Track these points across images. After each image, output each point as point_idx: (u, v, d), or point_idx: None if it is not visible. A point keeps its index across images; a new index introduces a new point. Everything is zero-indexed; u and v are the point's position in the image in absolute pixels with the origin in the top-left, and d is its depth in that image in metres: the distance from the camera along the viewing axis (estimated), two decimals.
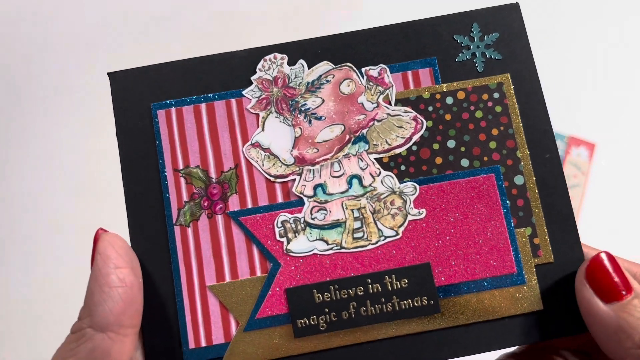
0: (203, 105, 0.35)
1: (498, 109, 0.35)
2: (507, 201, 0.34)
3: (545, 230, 0.34)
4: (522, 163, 0.34)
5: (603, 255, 0.31)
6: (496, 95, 0.35)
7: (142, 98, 0.35)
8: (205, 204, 0.34)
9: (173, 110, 0.35)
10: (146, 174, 0.34)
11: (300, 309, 0.33)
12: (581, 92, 0.86)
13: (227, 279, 0.33)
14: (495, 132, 0.35)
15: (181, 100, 0.35)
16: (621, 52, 0.88)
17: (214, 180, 0.34)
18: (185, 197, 0.34)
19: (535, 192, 0.34)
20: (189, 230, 0.34)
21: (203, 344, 0.33)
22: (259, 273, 0.34)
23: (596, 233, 0.79)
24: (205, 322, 0.33)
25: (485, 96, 0.35)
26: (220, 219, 0.34)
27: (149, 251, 0.34)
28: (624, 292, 0.30)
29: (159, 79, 0.35)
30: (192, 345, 0.33)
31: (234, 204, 0.34)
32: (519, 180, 0.34)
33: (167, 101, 0.35)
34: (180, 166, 0.35)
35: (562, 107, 0.84)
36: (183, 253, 0.34)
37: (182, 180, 0.34)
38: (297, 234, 0.34)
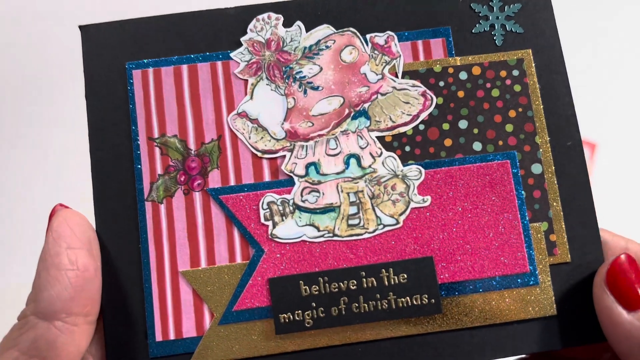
0: (184, 67, 0.31)
1: (517, 88, 0.31)
2: (523, 192, 0.30)
3: (563, 226, 0.30)
4: (540, 150, 0.31)
5: (624, 258, 0.28)
6: (515, 72, 0.31)
7: (116, 56, 0.31)
8: (182, 179, 0.30)
9: (150, 70, 0.31)
10: (116, 142, 0.30)
11: (284, 302, 0.29)
12: (581, 92, 0.84)
13: (203, 264, 0.29)
14: (512, 113, 0.31)
15: (160, 61, 0.31)
16: (622, 52, 0.86)
17: (192, 152, 0.30)
18: (159, 170, 0.30)
19: (554, 183, 0.30)
20: (162, 208, 0.30)
21: (172, 336, 0.29)
22: (239, 259, 0.30)
23: None
24: (175, 312, 0.29)
25: (503, 73, 0.31)
26: (197, 196, 0.30)
27: (116, 229, 0.30)
28: None
29: (137, 36, 0.31)
30: (159, 337, 0.29)
31: (214, 181, 0.30)
32: (536, 169, 0.31)
33: (144, 61, 0.31)
34: (156, 134, 0.30)
35: None
36: (154, 233, 0.30)
37: (157, 150, 0.30)
38: (284, 218, 0.30)
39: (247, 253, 0.30)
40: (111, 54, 0.31)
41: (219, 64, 0.31)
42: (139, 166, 0.30)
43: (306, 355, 0.29)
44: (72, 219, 0.28)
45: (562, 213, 0.30)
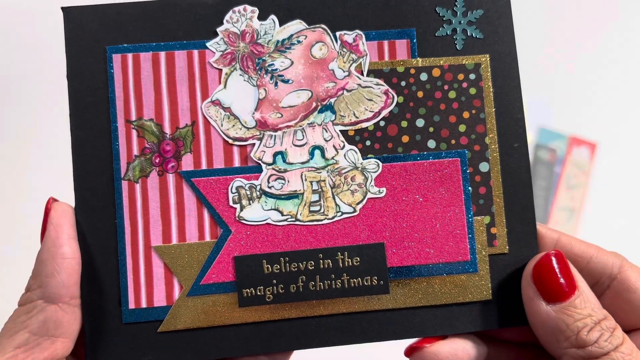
0: (162, 54, 0.33)
1: (472, 91, 0.34)
2: (469, 188, 0.33)
3: (504, 220, 0.33)
4: (489, 150, 0.33)
5: (549, 256, 0.31)
6: (472, 76, 0.34)
7: (97, 40, 0.32)
8: (157, 161, 0.32)
9: (130, 56, 0.32)
10: (96, 123, 0.32)
11: (248, 278, 0.32)
12: (582, 92, 0.85)
13: (174, 240, 0.32)
14: (466, 115, 0.34)
15: (139, 46, 0.32)
16: (623, 52, 0.85)
17: (167, 136, 0.32)
18: (135, 151, 0.32)
19: (498, 180, 0.33)
20: (137, 187, 0.32)
21: (144, 304, 0.32)
22: (207, 238, 0.32)
23: (598, 233, 0.79)
24: (147, 283, 0.32)
25: (461, 76, 0.34)
26: (171, 177, 0.32)
27: (93, 205, 0.32)
28: (567, 292, 0.30)
29: (118, 20, 0.33)
30: (132, 305, 0.32)
31: (187, 164, 0.32)
32: (484, 167, 0.33)
33: (124, 45, 0.32)
34: (133, 117, 0.32)
35: (564, 106, 0.82)
36: (129, 210, 0.32)
37: (134, 132, 0.32)
38: (251, 202, 0.32)
39: (215, 232, 0.32)
40: (93, 37, 0.32)
41: (196, 52, 0.33)
42: (117, 146, 0.32)
43: (266, 325, 0.32)
44: (68, 211, 0.31)
45: (504, 209, 0.33)
